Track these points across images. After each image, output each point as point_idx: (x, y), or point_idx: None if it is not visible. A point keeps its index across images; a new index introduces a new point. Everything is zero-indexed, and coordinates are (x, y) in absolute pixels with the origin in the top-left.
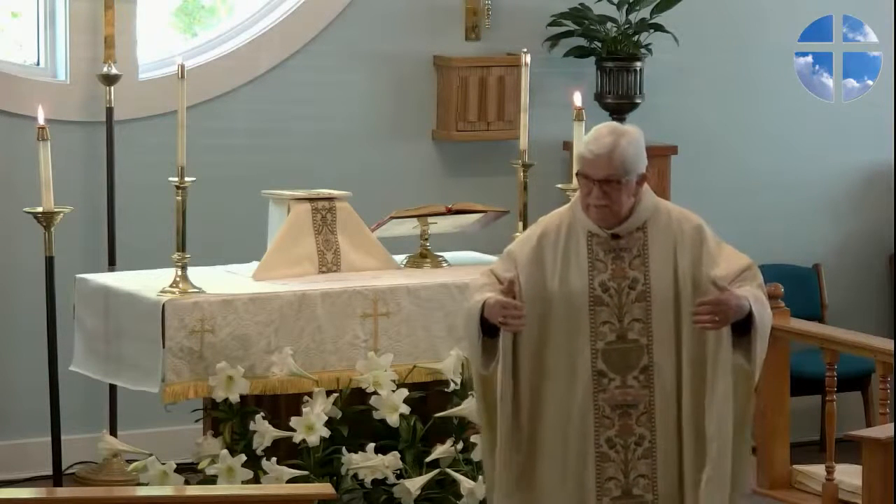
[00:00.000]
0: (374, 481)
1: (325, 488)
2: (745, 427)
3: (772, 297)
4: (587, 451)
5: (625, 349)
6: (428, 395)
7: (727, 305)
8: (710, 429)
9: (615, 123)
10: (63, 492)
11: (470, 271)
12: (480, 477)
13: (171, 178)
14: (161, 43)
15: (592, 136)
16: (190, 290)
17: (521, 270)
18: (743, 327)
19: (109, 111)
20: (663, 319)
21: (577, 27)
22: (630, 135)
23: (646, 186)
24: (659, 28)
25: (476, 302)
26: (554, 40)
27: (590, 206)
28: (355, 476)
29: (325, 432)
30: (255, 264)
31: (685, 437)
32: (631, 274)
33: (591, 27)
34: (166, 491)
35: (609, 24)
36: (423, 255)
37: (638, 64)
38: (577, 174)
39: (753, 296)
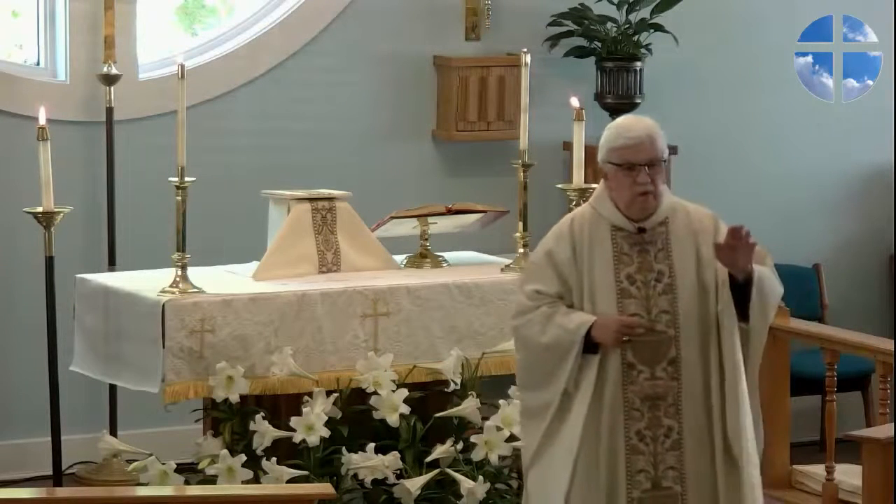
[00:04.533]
0: (374, 481)
1: (325, 488)
2: (755, 393)
3: None
4: (618, 444)
5: (653, 341)
6: (428, 395)
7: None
8: (731, 425)
9: (631, 114)
10: (63, 492)
11: (470, 271)
12: (480, 476)
13: (171, 178)
14: (164, 40)
15: (622, 126)
16: (190, 290)
17: (566, 268)
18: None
19: (109, 111)
20: (690, 312)
21: (577, 27)
22: (650, 119)
23: (664, 186)
24: (659, 28)
25: (580, 324)
26: (554, 40)
27: (635, 197)
28: (355, 476)
29: (325, 432)
30: (255, 264)
31: (715, 430)
32: (657, 267)
33: (591, 27)
34: (166, 491)
35: (609, 24)
36: (423, 255)
37: (638, 64)
38: (616, 167)
39: (761, 269)
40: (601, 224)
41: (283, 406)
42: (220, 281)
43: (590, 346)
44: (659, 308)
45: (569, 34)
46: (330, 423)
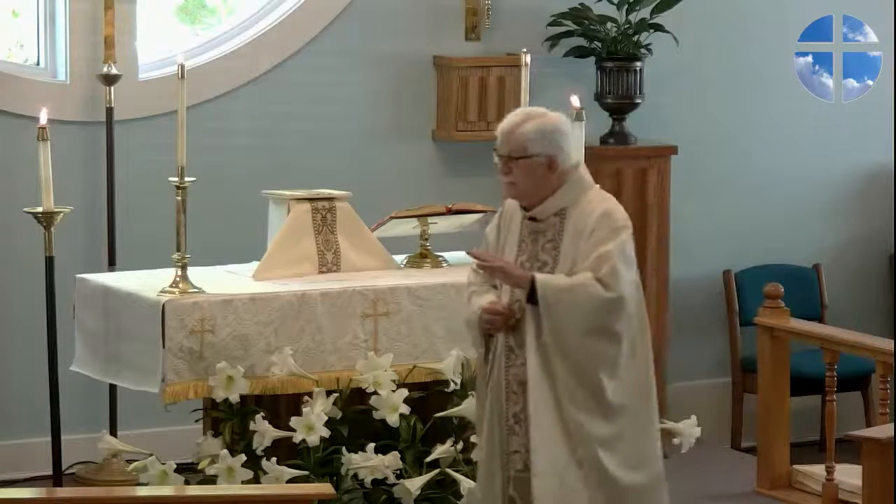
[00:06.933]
0: (374, 481)
1: (325, 488)
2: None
3: (772, 297)
4: (499, 424)
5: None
6: (428, 395)
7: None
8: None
9: (537, 108)
10: (63, 492)
11: (470, 271)
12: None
13: (171, 178)
14: (169, 37)
15: (507, 116)
16: (190, 290)
17: (493, 251)
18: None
19: (109, 111)
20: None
21: (577, 27)
22: (542, 118)
23: (581, 175)
24: (659, 28)
25: (474, 312)
26: (554, 40)
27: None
28: (355, 476)
29: (325, 432)
30: (255, 264)
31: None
32: (542, 257)
33: (591, 27)
34: (166, 491)
35: (609, 24)
36: (423, 255)
37: (638, 64)
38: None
39: (567, 280)
40: (519, 211)
41: (283, 406)
42: (220, 281)
43: None
44: None
45: (569, 34)
46: (330, 423)
